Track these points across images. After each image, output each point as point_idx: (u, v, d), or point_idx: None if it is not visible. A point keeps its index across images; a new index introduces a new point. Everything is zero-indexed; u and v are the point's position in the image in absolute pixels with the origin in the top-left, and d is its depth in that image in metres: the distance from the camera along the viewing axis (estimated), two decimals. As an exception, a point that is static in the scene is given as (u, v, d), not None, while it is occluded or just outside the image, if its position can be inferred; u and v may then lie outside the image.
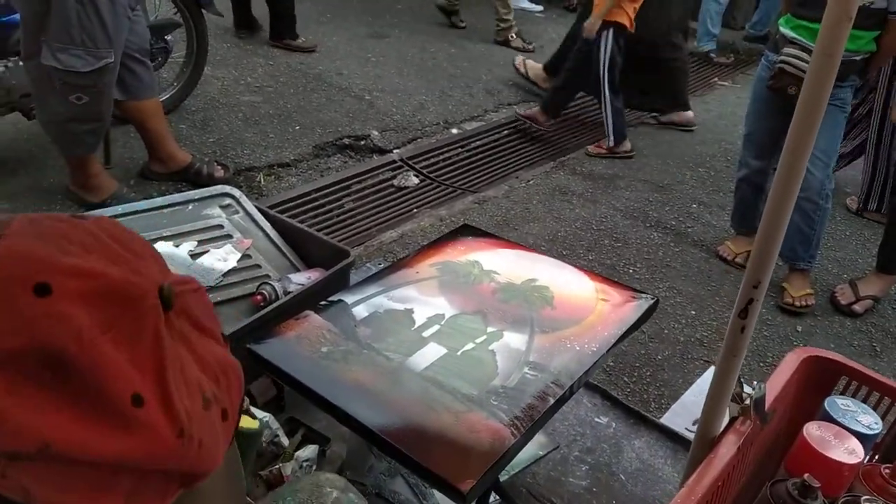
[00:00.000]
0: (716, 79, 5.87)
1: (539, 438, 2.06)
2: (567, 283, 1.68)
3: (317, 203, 3.50)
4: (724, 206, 3.69)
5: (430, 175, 3.93)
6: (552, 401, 1.31)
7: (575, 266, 1.76)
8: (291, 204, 3.41)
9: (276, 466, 1.65)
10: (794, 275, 3.00)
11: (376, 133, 4.25)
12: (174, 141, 3.39)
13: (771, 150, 3.06)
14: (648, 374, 2.50)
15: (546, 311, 1.57)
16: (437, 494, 1.66)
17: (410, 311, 1.53)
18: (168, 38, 3.86)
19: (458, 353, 1.42)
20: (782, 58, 2.69)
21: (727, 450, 1.00)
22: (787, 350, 2.73)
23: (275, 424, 1.72)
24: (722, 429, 1.07)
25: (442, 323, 1.50)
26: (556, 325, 1.52)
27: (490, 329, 1.49)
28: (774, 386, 1.15)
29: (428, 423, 1.23)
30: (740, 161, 3.19)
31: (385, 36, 5.84)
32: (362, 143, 4.16)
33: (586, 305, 1.59)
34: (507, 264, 1.73)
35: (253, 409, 1.72)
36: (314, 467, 1.66)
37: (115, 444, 0.46)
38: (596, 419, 2.24)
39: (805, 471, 1.06)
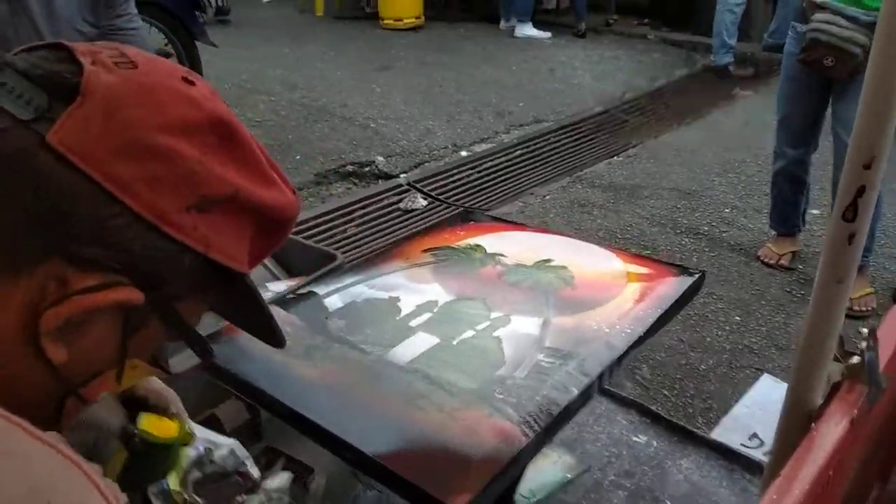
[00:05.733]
0: (737, 89, 5.60)
1: (566, 460, 1.73)
2: (590, 261, 1.38)
3: (318, 229, 3.25)
4: (760, 210, 3.38)
5: (439, 197, 3.67)
6: (576, 392, 1.00)
7: (598, 245, 1.47)
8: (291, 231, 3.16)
9: (240, 499, 1.35)
10: (849, 273, 2.65)
11: (381, 159, 4.03)
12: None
13: (807, 137, 2.76)
14: (692, 386, 2.16)
15: (565, 292, 1.27)
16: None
17: (396, 300, 1.24)
18: (160, 71, 3.70)
19: (454, 342, 1.12)
20: (813, 26, 2.41)
21: (835, 425, 0.69)
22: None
23: (242, 452, 1.41)
24: (821, 400, 0.76)
25: (434, 310, 1.21)
26: (578, 306, 1.22)
27: (495, 314, 1.20)
28: (882, 345, 0.83)
29: (411, 425, 0.94)
30: (775, 152, 2.89)
31: (389, 68, 5.69)
32: (367, 169, 3.93)
33: (615, 283, 1.30)
34: (515, 246, 1.44)
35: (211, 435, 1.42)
36: (286, 499, 1.35)
37: (269, 195, 0.59)
38: (633, 438, 1.91)
39: (939, 458, 0.74)
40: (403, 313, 1.20)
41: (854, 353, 0.76)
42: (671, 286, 1.28)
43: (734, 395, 2.11)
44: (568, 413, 0.99)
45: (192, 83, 0.57)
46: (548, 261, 1.38)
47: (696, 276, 1.31)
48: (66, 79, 0.52)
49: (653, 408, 2.00)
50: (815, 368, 0.75)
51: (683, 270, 1.34)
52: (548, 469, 1.67)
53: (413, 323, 1.17)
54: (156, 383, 0.88)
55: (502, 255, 1.40)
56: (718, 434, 1.94)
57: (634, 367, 2.22)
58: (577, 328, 1.16)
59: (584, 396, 1.02)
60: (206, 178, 0.55)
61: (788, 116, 2.75)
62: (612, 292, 1.26)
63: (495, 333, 1.14)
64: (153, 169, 0.52)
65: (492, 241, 1.46)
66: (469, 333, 1.14)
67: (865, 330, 0.76)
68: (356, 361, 1.07)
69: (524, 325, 1.17)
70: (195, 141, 0.55)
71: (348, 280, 1.31)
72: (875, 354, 0.75)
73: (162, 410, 0.86)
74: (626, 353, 1.11)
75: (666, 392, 2.13)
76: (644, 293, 1.26)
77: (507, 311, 1.20)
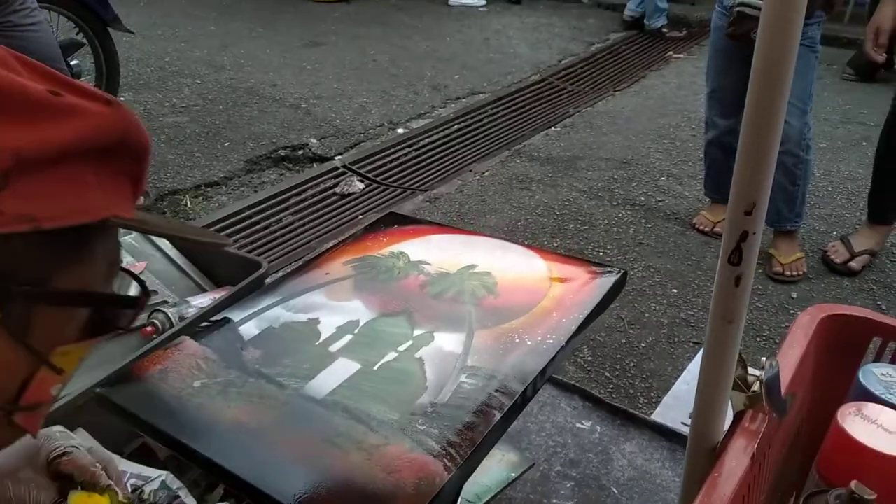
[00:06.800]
0: (671, 52, 5.63)
1: (510, 457, 1.73)
2: (513, 265, 1.36)
3: (251, 221, 3.17)
4: (694, 176, 3.42)
5: (377, 178, 3.61)
6: (498, 415, 0.98)
7: (523, 245, 1.45)
8: (222, 224, 3.07)
9: (174, 537, 1.30)
10: (781, 238, 2.71)
11: (314, 141, 3.93)
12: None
13: (738, 107, 2.75)
14: (632, 365, 2.18)
15: (487, 302, 1.25)
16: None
17: (315, 322, 1.20)
18: (74, 61, 3.51)
19: (375, 367, 1.09)
20: (739, 0, 2.41)
21: (737, 461, 0.69)
22: (783, 321, 2.45)
23: (175, 483, 1.37)
24: (725, 432, 0.75)
25: (355, 331, 1.17)
26: (500, 318, 1.20)
27: (417, 332, 1.17)
28: (787, 362, 0.83)
29: (331, 468, 0.91)
30: (706, 122, 2.91)
31: (321, 44, 5.54)
32: (300, 152, 3.84)
33: (537, 289, 1.28)
34: (439, 252, 1.41)
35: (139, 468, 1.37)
36: (223, 531, 1.32)
37: (67, 130, 0.51)
38: (577, 425, 1.91)
39: (849, 475, 0.75)
40: (323, 337, 1.16)
41: (757, 378, 0.75)
42: (593, 288, 1.27)
43: (674, 372, 2.14)
44: (491, 438, 0.97)
45: None
46: (471, 266, 1.35)
47: (618, 275, 1.30)
48: None
49: (595, 391, 2.01)
50: (714, 406, 0.74)
51: (605, 269, 1.33)
52: (492, 469, 1.67)
53: (333, 348, 1.13)
54: (84, 458, 0.84)
55: (426, 262, 1.37)
56: (660, 414, 1.97)
57: (576, 350, 2.23)
58: (500, 341, 1.14)
59: (508, 418, 1.01)
60: None
61: (717, 89, 2.76)
62: (535, 298, 1.24)
63: (417, 354, 1.11)
64: None
65: (415, 248, 1.42)
66: (391, 356, 1.11)
67: (764, 359, 0.75)
68: (273, 398, 1.03)
69: (447, 342, 1.14)
70: None
71: (265, 302, 1.26)
72: (775, 379, 0.75)
73: (91, 486, 0.83)
74: (549, 364, 1.09)
75: (607, 373, 2.14)
76: (566, 297, 1.25)
77: (430, 328, 1.17)
